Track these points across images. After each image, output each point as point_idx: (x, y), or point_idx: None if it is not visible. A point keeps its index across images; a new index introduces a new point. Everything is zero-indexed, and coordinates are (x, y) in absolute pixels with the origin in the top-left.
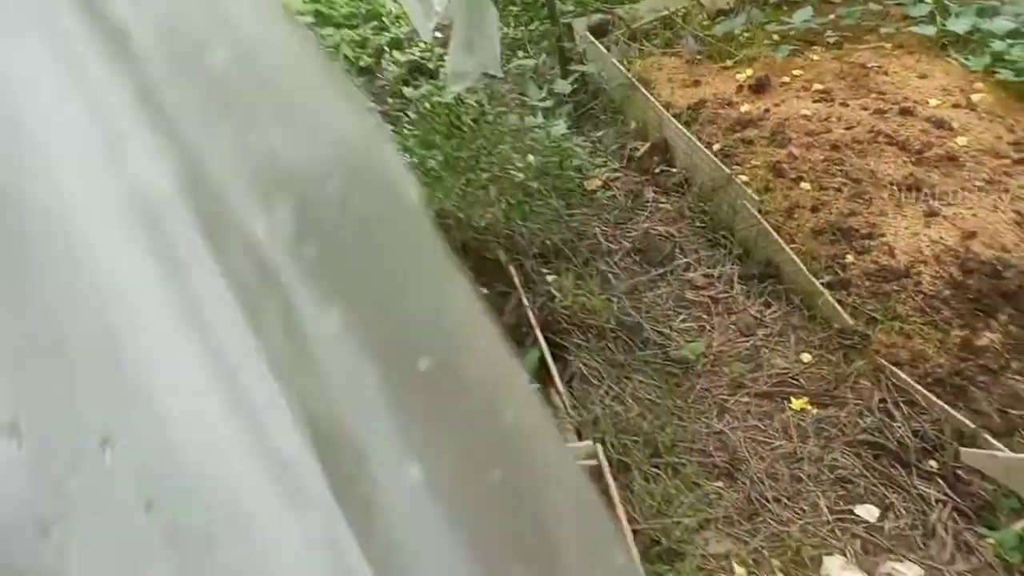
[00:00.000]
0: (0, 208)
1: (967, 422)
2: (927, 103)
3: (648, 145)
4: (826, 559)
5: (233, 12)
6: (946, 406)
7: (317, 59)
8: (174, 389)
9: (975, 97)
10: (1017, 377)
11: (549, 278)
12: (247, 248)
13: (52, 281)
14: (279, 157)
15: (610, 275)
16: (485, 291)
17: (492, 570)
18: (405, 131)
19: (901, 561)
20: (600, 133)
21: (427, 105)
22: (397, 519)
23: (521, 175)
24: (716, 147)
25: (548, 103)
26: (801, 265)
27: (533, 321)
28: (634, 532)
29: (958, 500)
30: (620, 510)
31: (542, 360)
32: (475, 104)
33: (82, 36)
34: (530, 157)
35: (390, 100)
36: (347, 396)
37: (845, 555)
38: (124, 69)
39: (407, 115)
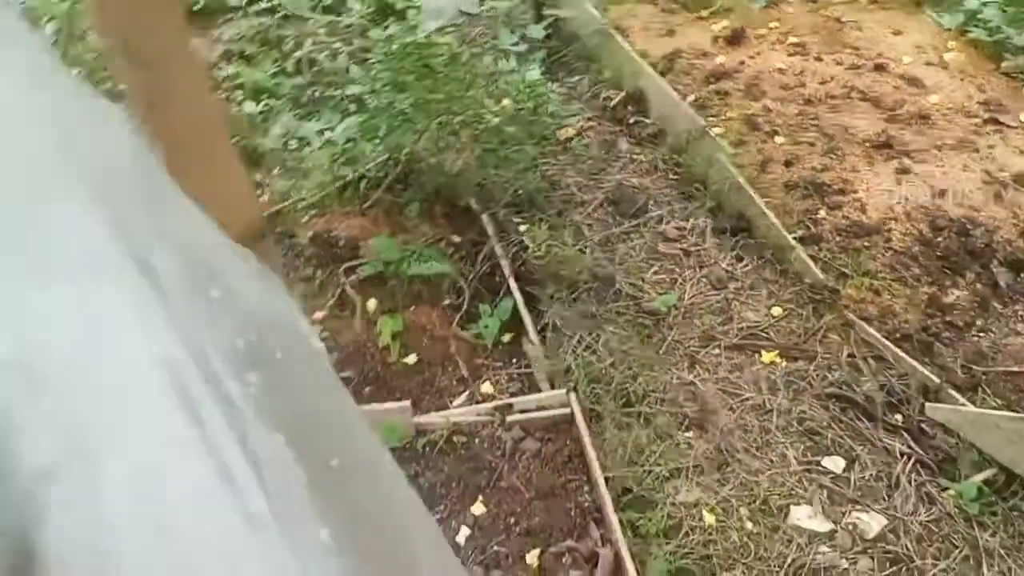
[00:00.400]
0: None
1: (932, 377)
2: (901, 60)
3: (622, 94)
4: (793, 508)
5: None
6: (912, 361)
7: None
8: None
9: (948, 56)
10: (981, 334)
11: (522, 228)
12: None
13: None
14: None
15: (583, 226)
16: (457, 239)
17: None
18: (373, 72)
19: (866, 511)
20: (574, 80)
21: (395, 46)
22: None
23: (495, 119)
24: (691, 98)
25: (521, 48)
26: (774, 219)
27: (507, 271)
28: (606, 480)
29: (922, 453)
30: (592, 457)
31: (515, 310)
32: (447, 44)
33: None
34: (505, 101)
35: (355, 41)
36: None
37: (812, 505)
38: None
39: (373, 56)
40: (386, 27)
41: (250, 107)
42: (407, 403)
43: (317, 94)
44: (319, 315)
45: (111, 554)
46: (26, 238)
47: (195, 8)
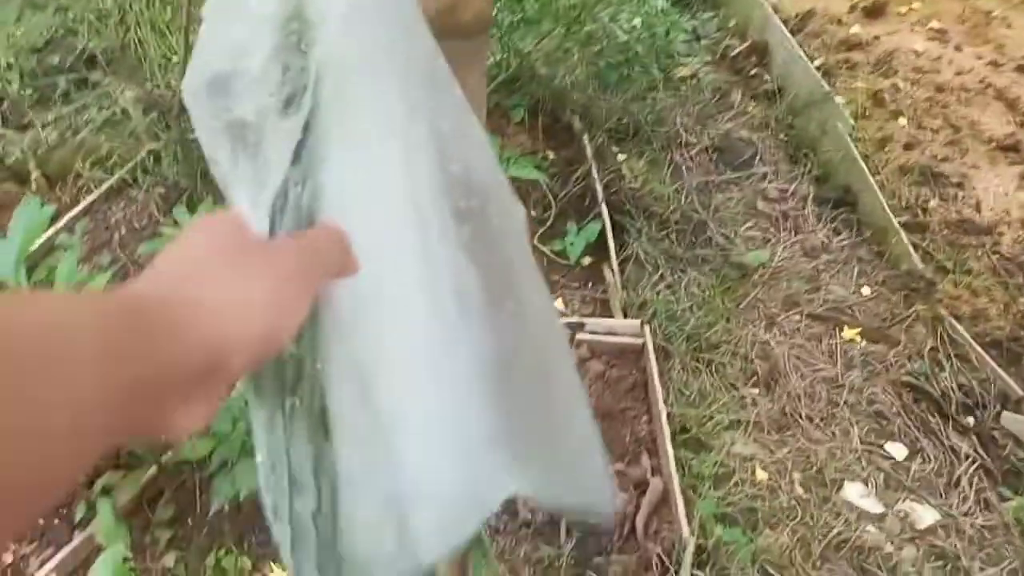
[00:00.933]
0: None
1: (1015, 387)
2: None
3: (746, 45)
4: (847, 484)
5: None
6: (997, 368)
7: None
8: None
9: None
10: None
11: (620, 157)
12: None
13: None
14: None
15: (683, 168)
16: (553, 155)
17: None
18: None
19: (921, 503)
20: (699, 21)
21: None
22: None
23: (624, 36)
24: (817, 62)
25: None
26: (881, 198)
27: (599, 195)
28: (667, 415)
29: (988, 460)
30: (657, 389)
31: (601, 235)
32: None
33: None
34: (636, 19)
35: None
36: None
37: (867, 485)
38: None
39: None
40: None
41: None
42: None
43: None
44: None
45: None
46: None
47: None
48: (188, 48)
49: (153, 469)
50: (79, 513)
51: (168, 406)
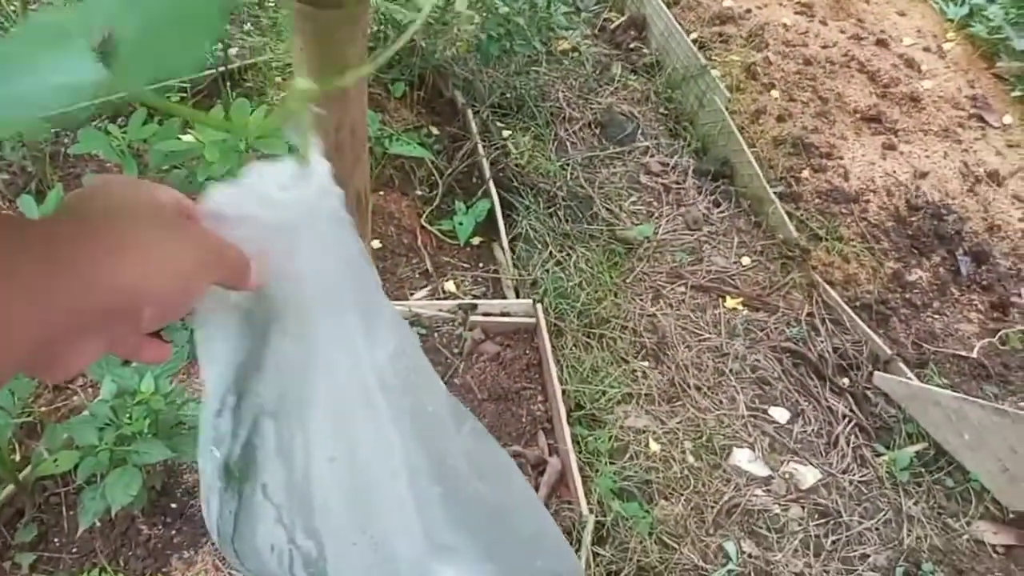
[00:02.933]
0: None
1: (885, 348)
2: (901, 40)
3: (624, 18)
4: (735, 450)
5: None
6: (868, 329)
7: None
8: None
9: (946, 45)
10: (936, 316)
11: (505, 133)
12: None
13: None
14: None
15: (568, 143)
16: (437, 132)
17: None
18: None
19: (803, 464)
20: None
21: None
22: None
23: (505, 8)
24: (693, 36)
25: None
26: (758, 170)
27: (487, 173)
28: (562, 393)
29: (863, 418)
30: (551, 368)
31: (490, 213)
32: None
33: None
34: None
35: None
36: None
37: (753, 450)
38: None
39: None
40: None
41: None
42: None
43: None
44: None
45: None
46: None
47: None
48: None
49: (10, 487)
50: None
51: (70, 336)
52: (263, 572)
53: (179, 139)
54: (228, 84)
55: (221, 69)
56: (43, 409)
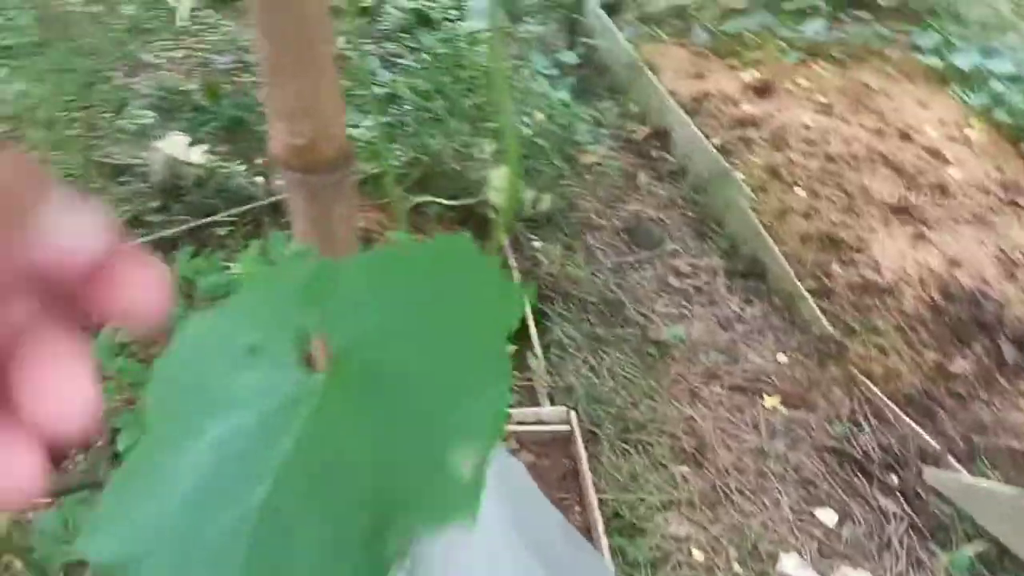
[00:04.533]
0: None
1: (932, 442)
2: (924, 131)
3: (647, 129)
4: (783, 556)
5: None
6: (914, 424)
7: None
8: None
9: (970, 133)
10: (984, 406)
11: (536, 244)
12: None
13: None
14: None
15: (597, 250)
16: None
17: None
18: (406, 75)
19: (855, 568)
20: (601, 109)
21: (434, 52)
22: None
23: (528, 131)
24: (715, 141)
25: (552, 72)
26: (787, 267)
27: (517, 279)
28: (599, 501)
29: (915, 517)
30: (587, 478)
31: (522, 322)
32: (489, 46)
33: None
34: (538, 114)
35: (387, 44)
36: None
37: (802, 555)
38: None
39: (406, 60)
40: (420, 36)
41: None
42: None
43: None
44: None
45: None
46: None
47: None
48: (89, 164)
49: None
50: None
51: None
52: None
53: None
54: (273, 215)
55: (266, 201)
56: None
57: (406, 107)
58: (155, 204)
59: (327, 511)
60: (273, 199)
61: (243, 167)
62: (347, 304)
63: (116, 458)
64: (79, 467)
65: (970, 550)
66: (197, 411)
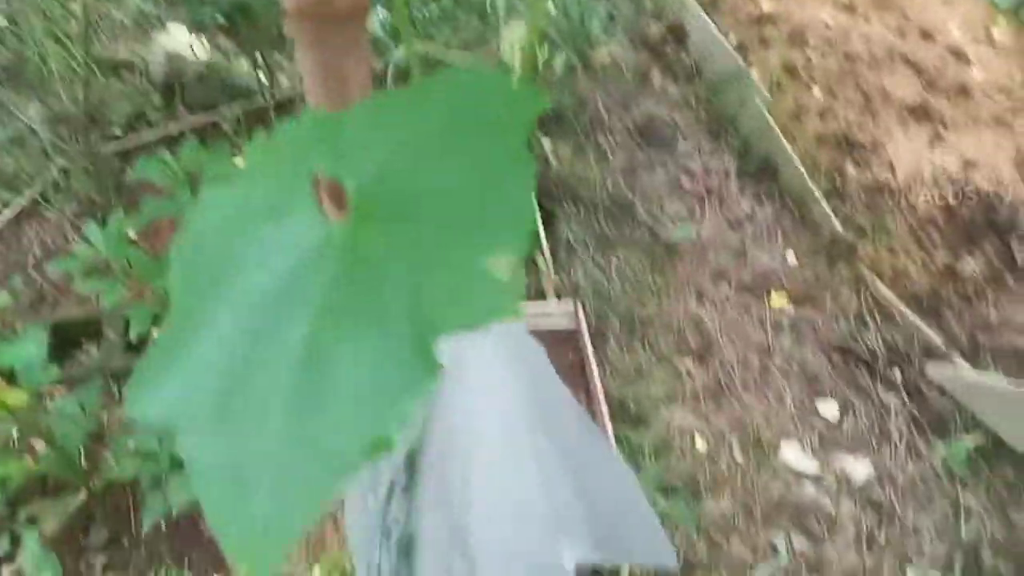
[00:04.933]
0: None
1: (937, 340)
2: (948, 31)
3: (663, 26)
4: (784, 446)
5: None
6: (919, 322)
7: None
8: None
9: (995, 33)
10: (992, 307)
11: (546, 144)
12: None
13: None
14: None
15: (608, 151)
16: None
17: None
18: None
19: (855, 458)
20: (615, 3)
21: None
22: None
23: (539, 24)
24: (732, 39)
25: None
26: (801, 168)
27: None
28: (605, 394)
29: (916, 410)
30: (593, 370)
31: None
32: None
33: None
34: (551, 6)
35: None
36: None
37: (803, 445)
38: None
39: None
40: None
41: None
42: None
43: None
44: None
45: None
46: None
47: None
48: (89, 58)
49: (82, 494)
50: (3, 547)
51: None
52: None
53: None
54: (277, 112)
55: (272, 99)
56: (109, 419)
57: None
58: (157, 101)
59: (370, 332)
60: (278, 97)
61: (247, 61)
62: (358, 144)
63: (129, 348)
64: (93, 357)
65: (969, 442)
66: (225, 273)
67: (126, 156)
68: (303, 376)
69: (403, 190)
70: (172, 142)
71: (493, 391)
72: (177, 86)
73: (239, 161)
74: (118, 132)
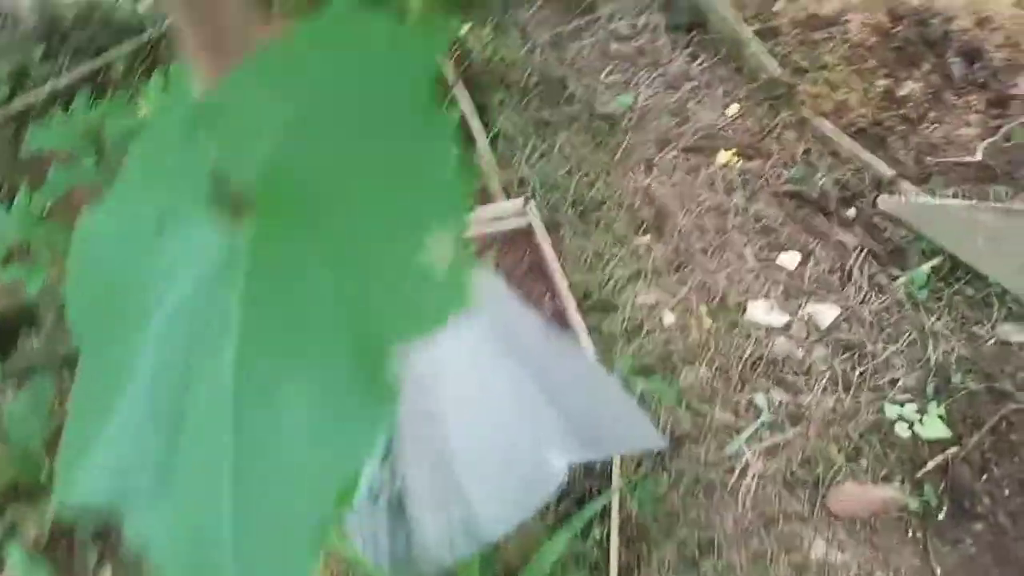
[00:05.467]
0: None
1: (886, 170)
2: None
3: None
4: (750, 304)
5: None
6: (866, 155)
7: None
8: None
9: None
10: (934, 126)
11: (463, 28)
12: None
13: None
14: None
15: (530, 25)
16: None
17: None
18: None
19: (821, 303)
20: None
21: None
22: None
23: None
24: None
25: None
26: (729, 11)
27: (450, 77)
28: (569, 286)
29: (874, 244)
30: (553, 265)
31: (462, 119)
32: None
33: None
34: None
35: None
36: None
37: (768, 299)
38: None
39: None
40: None
41: None
42: None
43: None
44: None
45: None
46: None
47: None
48: None
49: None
50: None
51: None
52: (436, 566)
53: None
54: (171, 45)
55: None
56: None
57: None
58: (37, 54)
59: (305, 361)
60: (166, 28)
61: None
62: (244, 128)
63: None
64: (35, 348)
65: (926, 266)
66: (127, 310)
67: (17, 124)
68: (243, 429)
69: (305, 180)
70: (64, 99)
71: (454, 330)
72: (56, 35)
73: (141, 107)
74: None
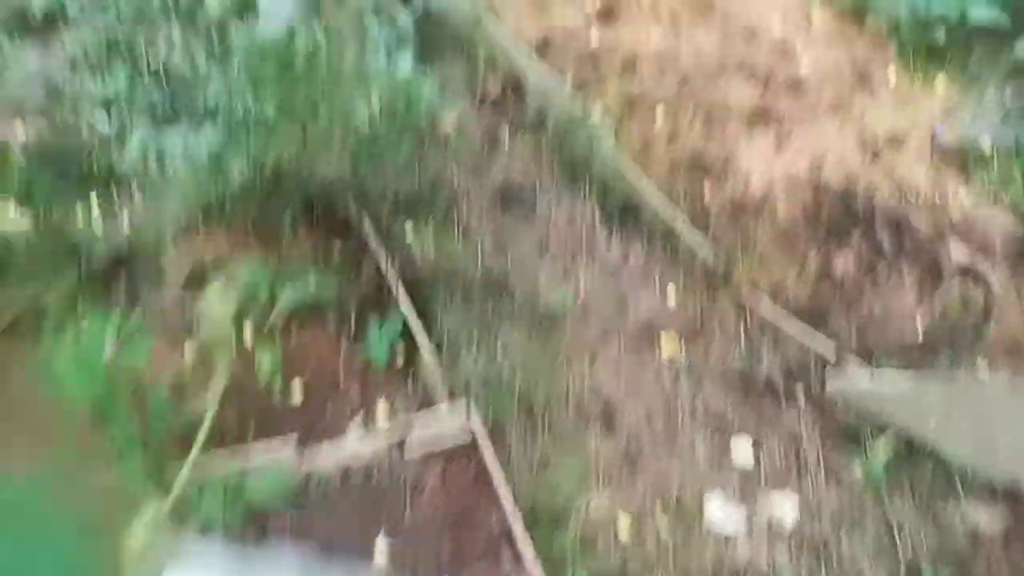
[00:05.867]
0: None
1: (829, 349)
2: (770, 27)
3: (500, 80)
4: (707, 499)
5: None
6: (808, 334)
7: None
8: None
9: (814, 17)
10: (872, 299)
11: (408, 228)
12: None
13: None
14: None
15: (472, 225)
16: (339, 254)
17: None
18: (233, 76)
19: (779, 491)
20: (449, 68)
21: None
22: None
23: (365, 120)
24: (569, 79)
25: (390, 38)
26: (660, 200)
27: (393, 283)
28: (515, 500)
29: (826, 425)
30: (498, 478)
31: (406, 325)
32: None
33: None
34: (374, 99)
35: (214, 41)
36: None
37: (724, 491)
38: None
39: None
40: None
41: (102, 122)
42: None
43: (175, 104)
44: (189, 350)
45: None
46: None
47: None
48: None
49: None
50: None
51: None
52: None
53: None
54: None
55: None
56: None
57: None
58: None
59: None
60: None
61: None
62: None
63: None
64: None
65: (881, 450)
66: None
67: None
68: None
69: None
70: None
71: None
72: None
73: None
74: None
